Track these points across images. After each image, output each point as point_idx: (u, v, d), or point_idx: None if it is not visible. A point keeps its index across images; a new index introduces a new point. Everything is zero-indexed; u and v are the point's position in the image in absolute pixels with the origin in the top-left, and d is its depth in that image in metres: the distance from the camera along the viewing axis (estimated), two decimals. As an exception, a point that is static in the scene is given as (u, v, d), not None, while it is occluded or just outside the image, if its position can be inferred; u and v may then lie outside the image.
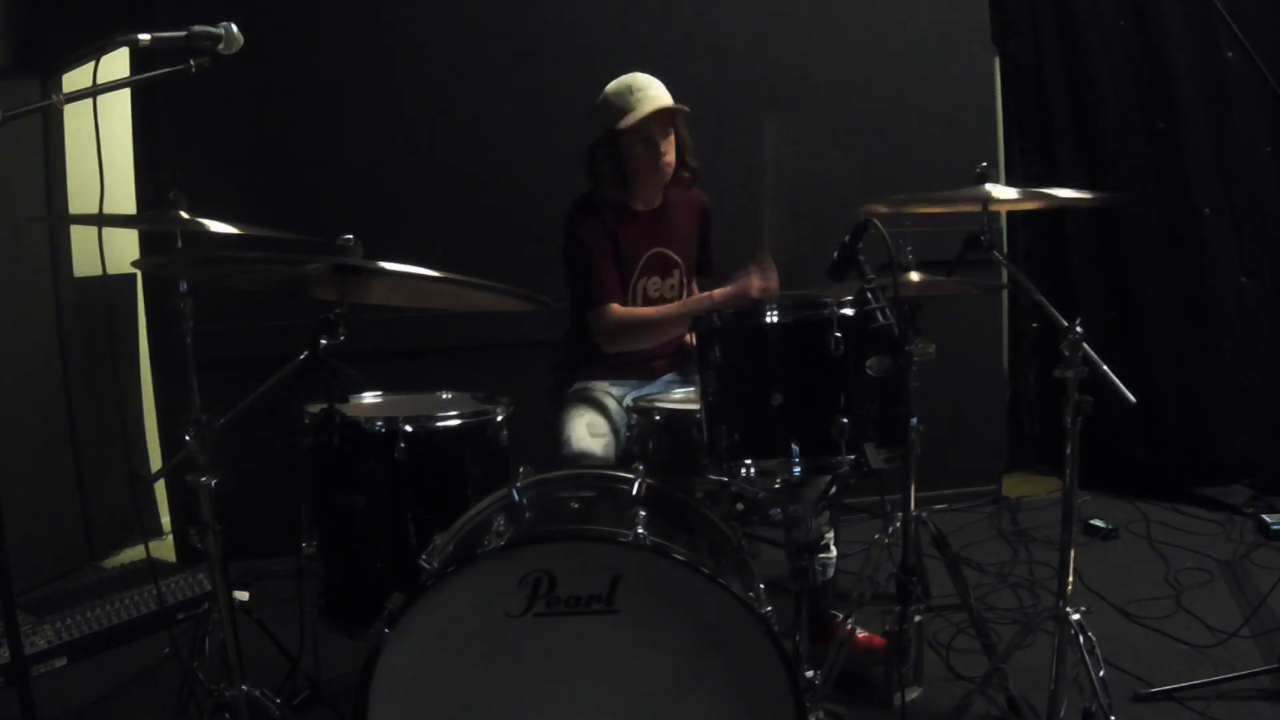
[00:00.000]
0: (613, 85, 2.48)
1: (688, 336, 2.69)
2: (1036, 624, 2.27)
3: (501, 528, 1.57)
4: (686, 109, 2.48)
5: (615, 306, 2.46)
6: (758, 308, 2.11)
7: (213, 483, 1.77)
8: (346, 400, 2.22)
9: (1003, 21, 4.05)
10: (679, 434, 2.05)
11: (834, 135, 3.75)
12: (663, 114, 2.44)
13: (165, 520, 3.97)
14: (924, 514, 2.57)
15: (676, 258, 2.60)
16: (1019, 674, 2.23)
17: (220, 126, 3.58)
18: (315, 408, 2.00)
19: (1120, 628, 2.64)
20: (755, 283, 2.23)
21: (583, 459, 2.29)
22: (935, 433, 2.30)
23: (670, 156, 2.49)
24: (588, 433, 2.37)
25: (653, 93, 2.44)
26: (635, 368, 2.59)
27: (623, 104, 2.43)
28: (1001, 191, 2.08)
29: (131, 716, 2.45)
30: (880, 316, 1.72)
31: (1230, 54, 3.70)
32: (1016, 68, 4.12)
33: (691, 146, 2.57)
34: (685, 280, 2.64)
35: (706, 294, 2.46)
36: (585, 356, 2.54)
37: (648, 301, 2.56)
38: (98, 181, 1.80)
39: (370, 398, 2.35)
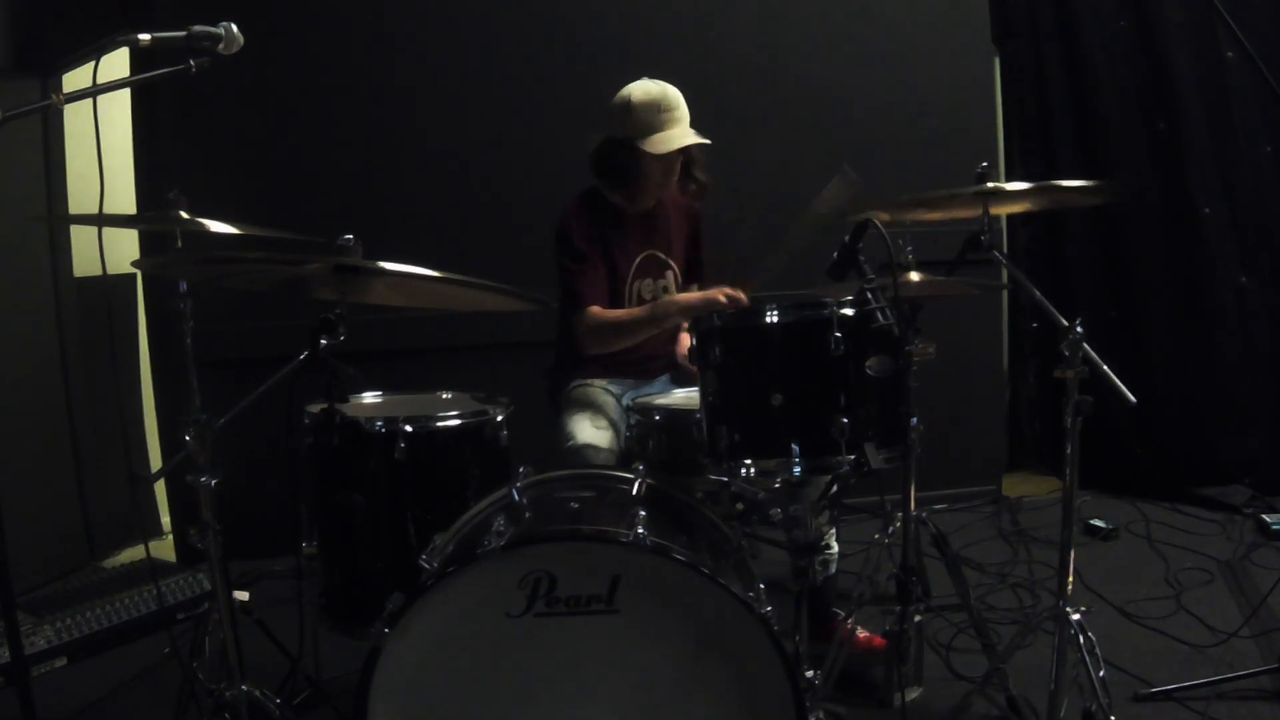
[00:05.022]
0: (641, 94, 2.41)
1: (684, 340, 2.70)
2: (1036, 624, 2.27)
3: (501, 528, 1.57)
4: (709, 142, 2.46)
5: (594, 310, 2.45)
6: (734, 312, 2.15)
7: (213, 483, 1.77)
8: (346, 400, 2.22)
9: (1003, 21, 4.05)
10: (679, 434, 2.05)
11: (833, 136, 3.77)
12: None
13: (165, 520, 3.97)
14: (924, 514, 2.57)
15: (669, 260, 2.61)
16: (1019, 674, 2.23)
17: (220, 126, 3.58)
18: (315, 408, 2.00)
19: (1120, 628, 2.64)
20: (723, 295, 2.21)
21: (588, 451, 2.29)
22: (935, 433, 2.30)
23: (674, 177, 2.52)
24: (591, 426, 2.36)
25: (680, 115, 2.43)
26: (632, 367, 2.59)
27: (652, 121, 2.39)
28: (1003, 197, 2.08)
29: (131, 716, 2.44)
30: (880, 316, 1.72)
31: (1230, 54, 3.70)
32: (1016, 68, 4.12)
33: (702, 161, 2.57)
34: (678, 282, 2.64)
35: (673, 299, 2.45)
36: (581, 356, 2.54)
37: (642, 304, 2.55)
38: (98, 181, 1.80)
39: (370, 398, 2.35)
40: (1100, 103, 3.91)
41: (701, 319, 1.87)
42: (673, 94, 2.43)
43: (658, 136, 2.39)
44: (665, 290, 2.61)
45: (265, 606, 2.50)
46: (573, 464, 2.22)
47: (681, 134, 2.41)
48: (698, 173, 2.58)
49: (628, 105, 2.41)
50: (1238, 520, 3.48)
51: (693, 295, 2.34)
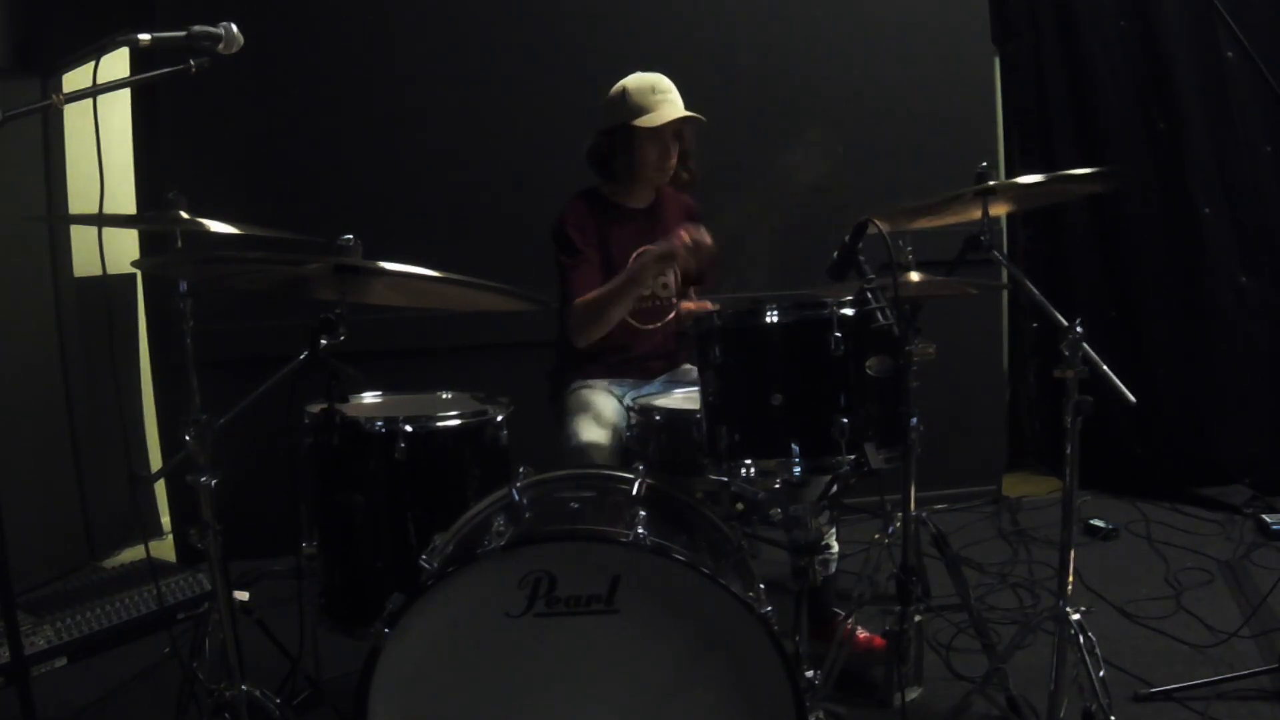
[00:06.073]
0: (634, 80, 2.49)
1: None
2: (1036, 624, 2.27)
3: (501, 528, 1.57)
4: (703, 119, 2.49)
5: (578, 301, 2.45)
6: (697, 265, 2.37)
7: (213, 483, 1.77)
8: (346, 400, 2.21)
9: (1003, 22, 4.05)
10: (679, 434, 2.05)
11: (834, 136, 3.77)
12: (679, 121, 2.46)
13: (165, 520, 3.97)
14: (924, 514, 2.57)
15: None
16: (1019, 674, 2.24)
17: (220, 126, 3.58)
18: (315, 408, 2.00)
19: (1120, 628, 2.64)
20: (685, 236, 2.27)
21: (590, 450, 2.29)
22: (935, 433, 2.30)
23: (673, 162, 2.54)
24: (593, 424, 2.37)
25: (674, 98, 2.49)
26: (632, 367, 2.59)
27: (645, 102, 2.46)
28: (1006, 192, 2.08)
29: (131, 716, 2.44)
30: (880, 316, 1.72)
31: (1230, 54, 3.70)
32: (1016, 68, 4.13)
33: (694, 151, 2.60)
34: (678, 278, 2.64)
35: (640, 254, 2.46)
36: (581, 356, 2.54)
37: (642, 299, 2.55)
38: (98, 181, 1.80)
39: (370, 398, 2.35)
40: (1100, 103, 3.91)
41: (701, 319, 1.87)
42: (665, 80, 2.50)
43: (651, 114, 2.45)
44: (665, 286, 2.61)
45: (265, 606, 2.50)
46: (574, 463, 2.22)
47: (674, 110, 2.46)
48: (690, 161, 2.60)
49: (623, 91, 2.49)
50: (1238, 520, 3.48)
51: (660, 245, 2.36)
